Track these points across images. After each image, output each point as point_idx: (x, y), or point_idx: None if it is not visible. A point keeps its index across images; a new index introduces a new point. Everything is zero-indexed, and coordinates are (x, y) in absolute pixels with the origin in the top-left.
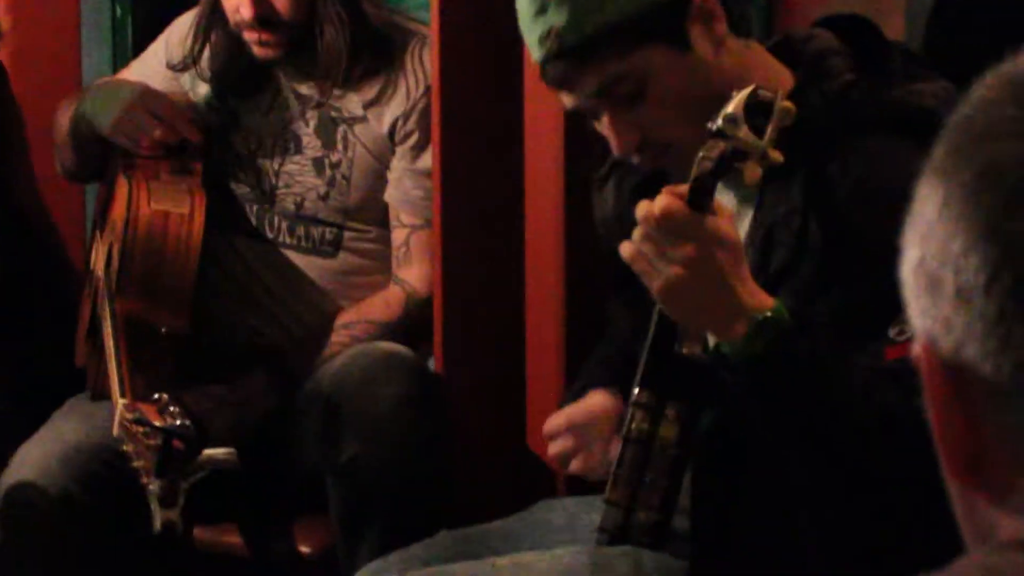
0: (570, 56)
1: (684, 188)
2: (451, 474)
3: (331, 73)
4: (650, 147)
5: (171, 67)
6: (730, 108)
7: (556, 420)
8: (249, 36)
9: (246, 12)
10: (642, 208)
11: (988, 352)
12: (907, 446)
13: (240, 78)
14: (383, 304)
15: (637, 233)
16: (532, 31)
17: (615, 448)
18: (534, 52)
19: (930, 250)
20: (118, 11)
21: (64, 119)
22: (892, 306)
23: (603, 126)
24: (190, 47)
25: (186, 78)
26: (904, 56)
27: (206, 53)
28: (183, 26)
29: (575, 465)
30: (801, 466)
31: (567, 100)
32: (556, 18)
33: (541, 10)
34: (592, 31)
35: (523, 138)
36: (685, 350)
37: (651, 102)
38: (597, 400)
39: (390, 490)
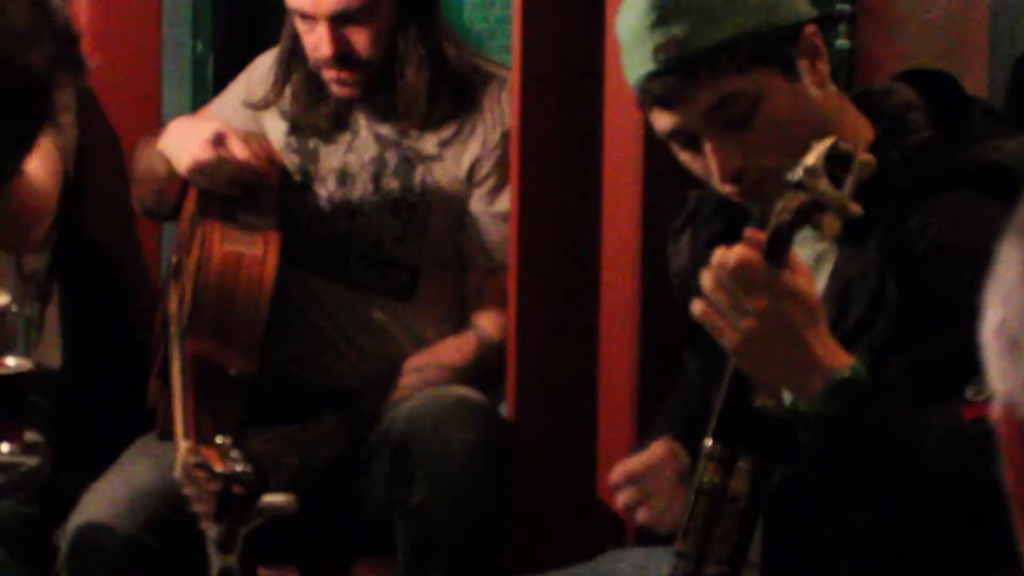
0: (688, 69)
1: (761, 238)
2: (519, 520)
3: (411, 113)
4: (750, 175)
5: (251, 106)
6: (810, 160)
7: (620, 470)
8: (328, 74)
9: (325, 50)
10: (719, 255)
11: None
12: (981, 509)
13: (321, 118)
14: (455, 348)
15: (710, 282)
16: (644, 43)
17: (680, 497)
18: (643, 66)
19: (1012, 312)
20: (199, 48)
21: (143, 157)
22: (969, 365)
23: (698, 162)
24: (271, 85)
25: (267, 116)
26: (984, 112)
27: (287, 92)
28: (263, 65)
29: (641, 515)
30: (873, 525)
31: (667, 121)
32: (677, 29)
33: (661, 21)
34: (714, 44)
35: (601, 184)
36: (759, 403)
37: (759, 126)
38: (660, 449)
39: (458, 535)
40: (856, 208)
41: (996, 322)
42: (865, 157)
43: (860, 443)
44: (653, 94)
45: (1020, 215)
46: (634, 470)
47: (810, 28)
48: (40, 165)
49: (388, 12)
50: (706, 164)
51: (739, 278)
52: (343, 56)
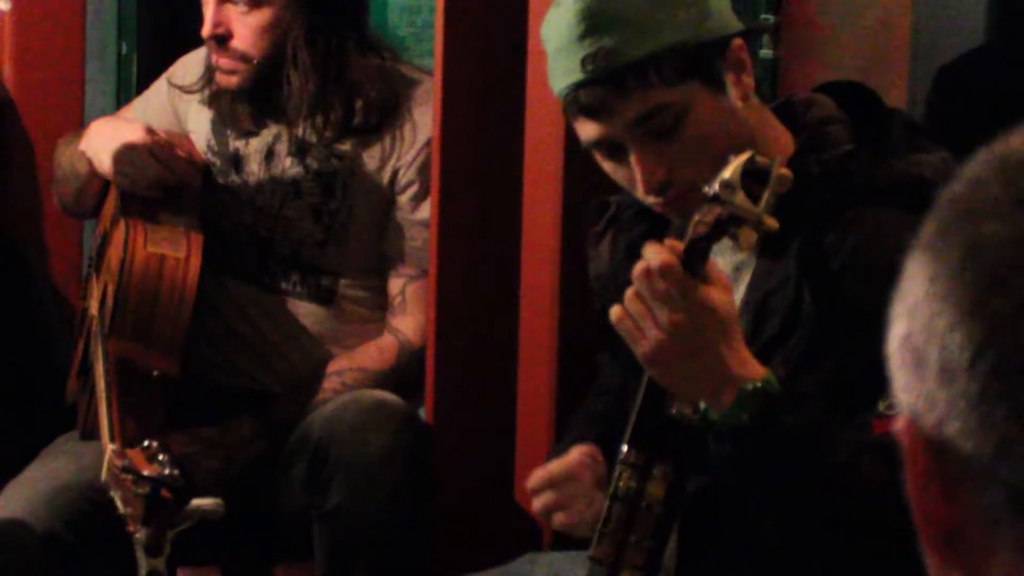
0: (615, 80)
1: (680, 249)
2: (437, 523)
3: (295, 118)
4: (674, 186)
5: (181, 88)
6: (727, 174)
7: (537, 475)
8: (212, 59)
9: (205, 29)
10: (639, 265)
11: (969, 430)
12: (890, 520)
13: (241, 118)
14: (376, 352)
15: (629, 291)
16: (572, 53)
17: (597, 501)
18: (570, 76)
19: (916, 326)
20: (123, 48)
21: (65, 155)
22: (882, 379)
23: (620, 171)
24: (197, 78)
25: (189, 114)
26: (904, 125)
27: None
28: (186, 64)
29: (558, 520)
30: (783, 535)
31: (592, 130)
32: (606, 39)
33: (590, 32)
34: (642, 56)
35: (522, 190)
36: (674, 410)
37: (684, 139)
38: (578, 454)
39: (375, 538)
40: (772, 222)
41: (901, 335)
42: (782, 171)
43: (770, 454)
44: (579, 103)
45: (926, 231)
46: (552, 474)
47: (737, 42)
48: None
49: (278, 6)
50: (630, 174)
51: (656, 287)
52: (221, 39)
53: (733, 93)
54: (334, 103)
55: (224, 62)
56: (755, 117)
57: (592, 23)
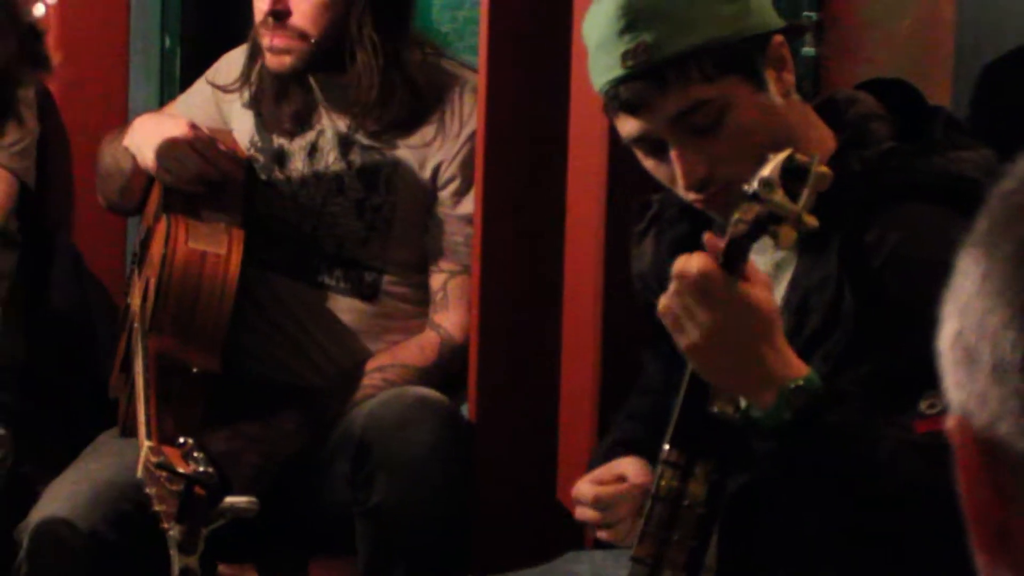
0: (655, 76)
1: (720, 246)
2: (479, 520)
3: (363, 101)
4: (715, 182)
5: (217, 87)
6: (766, 172)
7: (583, 489)
8: (264, 40)
9: (263, 4)
10: (679, 264)
11: (1022, 429)
12: (933, 520)
13: (285, 117)
14: (418, 349)
15: (671, 288)
16: (613, 48)
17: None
18: (610, 71)
19: (968, 323)
20: (167, 43)
21: (108, 152)
22: (924, 378)
23: (662, 169)
24: (238, 76)
25: (232, 112)
26: (946, 123)
27: (253, 85)
28: (230, 60)
29: (602, 534)
30: (824, 532)
31: (633, 126)
32: (647, 35)
33: (630, 27)
34: (683, 51)
35: (565, 186)
36: (717, 408)
37: (724, 135)
38: (628, 469)
39: (417, 534)
40: (812, 220)
41: (953, 333)
42: (822, 169)
43: (812, 452)
44: (620, 99)
45: (980, 226)
46: (603, 495)
47: (778, 39)
48: None
49: None
50: (670, 171)
51: (696, 288)
52: (279, 15)
53: (774, 90)
54: (395, 90)
55: (279, 41)
56: (796, 114)
57: (632, 18)
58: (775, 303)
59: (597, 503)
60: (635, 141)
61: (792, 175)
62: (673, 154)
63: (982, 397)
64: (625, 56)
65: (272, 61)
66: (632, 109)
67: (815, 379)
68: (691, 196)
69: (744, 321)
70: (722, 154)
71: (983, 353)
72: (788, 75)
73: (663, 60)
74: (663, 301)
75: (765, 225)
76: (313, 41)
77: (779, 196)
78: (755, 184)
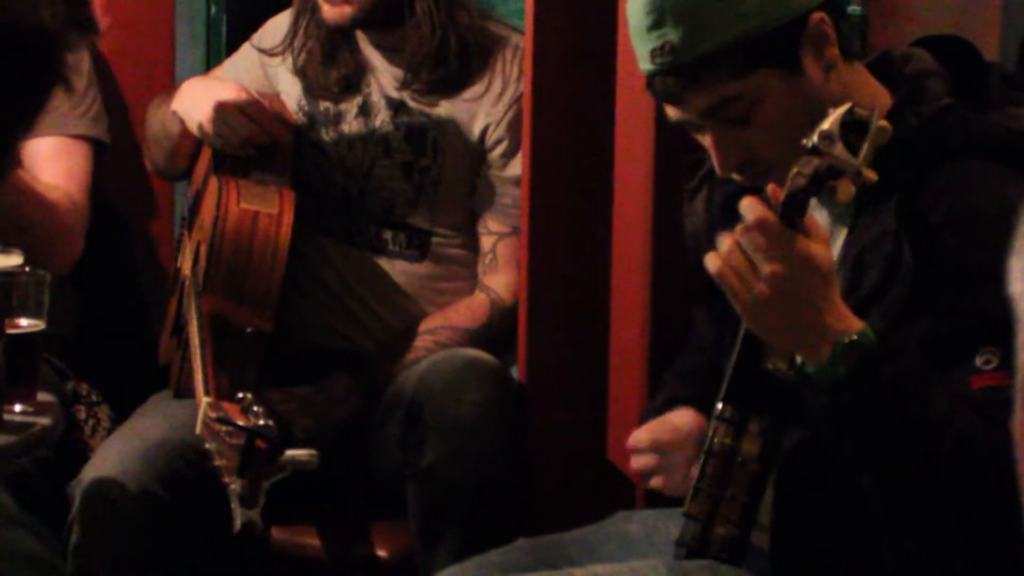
0: (683, 73)
1: (780, 197)
2: (530, 481)
3: (421, 53)
4: (752, 167)
5: (263, 51)
6: (826, 125)
7: (641, 436)
8: None
9: None
10: (744, 207)
11: None
12: (986, 474)
13: (332, 82)
14: (468, 311)
15: (727, 244)
16: (644, 43)
17: (697, 468)
18: (643, 64)
19: None
20: (213, 9)
21: (156, 116)
22: (980, 334)
23: (706, 142)
24: (284, 39)
25: (279, 75)
26: (1002, 79)
27: (299, 50)
28: (276, 26)
29: (656, 482)
30: (878, 488)
31: (672, 113)
32: (672, 34)
33: (656, 24)
34: (709, 50)
35: (613, 147)
36: (770, 366)
37: (758, 124)
38: (683, 419)
39: (469, 496)
40: (871, 175)
41: None
42: (881, 123)
43: (867, 407)
44: (655, 90)
45: None
46: (658, 440)
47: (816, 16)
48: (69, 180)
49: None
50: None
51: (755, 241)
52: None
53: (812, 70)
54: (450, 45)
55: None
56: (847, 80)
57: (659, 16)
58: (833, 258)
59: (655, 447)
60: (677, 124)
61: (852, 128)
62: (708, 141)
63: None
64: (653, 53)
65: (331, 13)
66: (666, 100)
67: (870, 334)
68: (730, 175)
69: (803, 275)
70: (758, 141)
71: None
72: (831, 49)
73: (690, 60)
74: (716, 261)
75: (824, 179)
76: None
77: (839, 149)
78: (815, 137)
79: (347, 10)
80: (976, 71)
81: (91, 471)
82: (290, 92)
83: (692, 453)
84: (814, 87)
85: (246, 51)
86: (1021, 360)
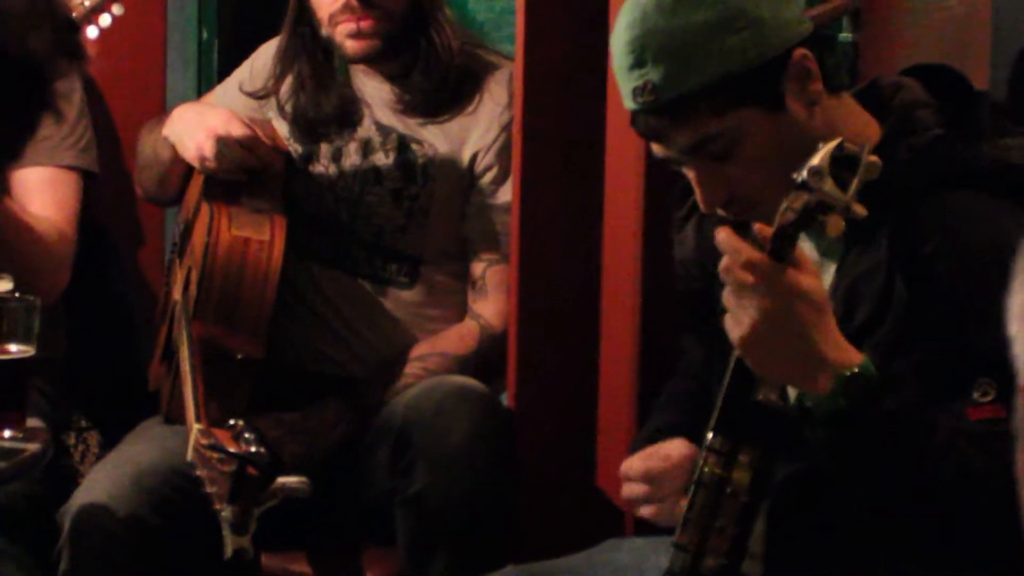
0: (664, 112)
1: (768, 233)
2: (519, 509)
3: (425, 84)
4: (737, 203)
5: (250, 95)
6: (815, 161)
7: (633, 464)
8: (345, 28)
9: None
10: (724, 259)
11: None
12: (986, 507)
13: (325, 109)
14: (457, 337)
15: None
16: (627, 81)
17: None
18: (626, 102)
19: None
20: (204, 34)
21: (147, 142)
22: (976, 365)
23: (690, 177)
24: (271, 76)
25: (269, 106)
26: (993, 109)
27: (287, 86)
28: (268, 52)
29: (646, 511)
30: (876, 520)
31: (656, 150)
32: (653, 73)
33: (638, 64)
34: (690, 89)
35: (603, 174)
36: (761, 396)
37: (740, 161)
38: (675, 449)
39: (458, 522)
40: (861, 210)
41: None
42: (871, 159)
43: (868, 440)
44: (638, 127)
45: None
46: (652, 469)
47: (799, 52)
48: (57, 211)
49: None
50: None
51: (744, 281)
52: (368, 1)
53: (795, 106)
54: (451, 74)
55: (367, 24)
56: (831, 113)
57: (639, 56)
58: (824, 289)
59: (647, 476)
60: (662, 159)
61: (842, 164)
62: (691, 178)
63: None
64: (635, 93)
65: (356, 47)
66: (649, 138)
67: (870, 366)
68: (715, 211)
69: (796, 309)
70: (741, 178)
71: None
72: (814, 84)
73: (670, 100)
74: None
75: (814, 214)
76: (395, 21)
77: (828, 185)
78: (804, 173)
79: (375, 43)
80: (966, 101)
81: (80, 497)
82: (281, 120)
83: (683, 482)
84: (797, 123)
85: (238, 76)
86: (1020, 403)
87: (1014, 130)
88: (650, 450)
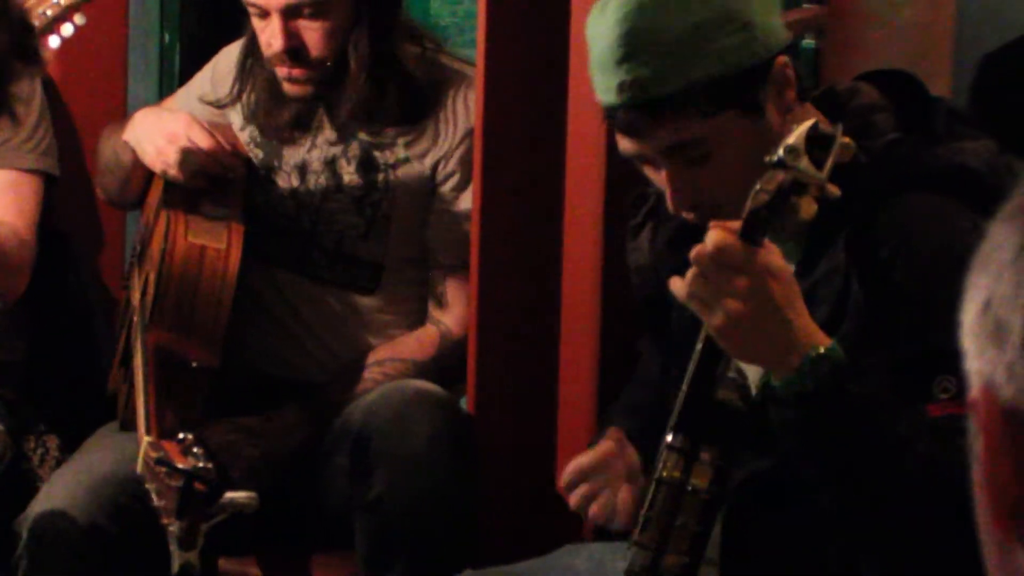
0: (649, 109)
1: (735, 223)
2: (478, 514)
3: (359, 115)
4: (704, 206)
5: (213, 104)
6: (791, 140)
7: (569, 470)
8: (280, 72)
9: (277, 44)
10: (696, 248)
11: None
12: (945, 500)
13: (282, 121)
14: (417, 343)
15: (690, 275)
16: (610, 77)
17: (628, 490)
18: (606, 96)
19: (999, 294)
20: (166, 37)
21: (108, 146)
22: (935, 364)
23: (658, 177)
24: (232, 85)
25: (230, 112)
26: (948, 114)
27: (248, 94)
28: (229, 57)
29: (592, 510)
30: (838, 509)
31: (629, 146)
32: (643, 69)
33: (628, 57)
34: (678, 88)
35: (563, 182)
36: (721, 396)
37: (716, 166)
38: (607, 443)
39: (416, 528)
40: (835, 189)
41: (980, 304)
42: (845, 139)
43: (833, 422)
44: (616, 123)
45: (1014, 200)
46: (583, 466)
47: (781, 60)
48: (17, 215)
49: (342, 9)
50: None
51: (717, 262)
52: (295, 51)
53: (772, 113)
54: (388, 87)
55: (298, 72)
56: (798, 120)
57: (631, 50)
58: (791, 270)
59: (582, 476)
60: (631, 157)
61: (816, 143)
62: (663, 176)
63: (1010, 369)
64: (622, 87)
65: (292, 90)
66: (627, 134)
67: (838, 349)
68: (682, 214)
69: (770, 286)
70: (713, 182)
71: (1013, 324)
72: (789, 92)
73: (659, 97)
74: (683, 288)
75: (788, 194)
76: (326, 66)
77: (804, 163)
78: (780, 152)
79: (308, 88)
80: (922, 105)
81: (38, 505)
82: (242, 127)
83: (620, 471)
84: (771, 130)
85: (200, 80)
86: (972, 391)
87: (971, 133)
88: (581, 454)
